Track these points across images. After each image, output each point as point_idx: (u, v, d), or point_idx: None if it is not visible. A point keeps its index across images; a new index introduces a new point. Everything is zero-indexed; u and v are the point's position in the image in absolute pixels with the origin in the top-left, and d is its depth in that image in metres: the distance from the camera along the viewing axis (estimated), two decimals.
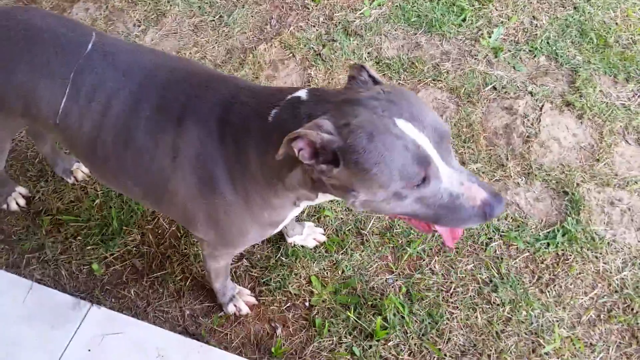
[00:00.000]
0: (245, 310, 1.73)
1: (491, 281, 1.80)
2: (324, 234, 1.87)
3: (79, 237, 1.86)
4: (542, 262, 1.83)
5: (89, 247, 1.84)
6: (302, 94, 1.12)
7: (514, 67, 2.27)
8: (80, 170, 1.96)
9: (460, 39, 2.35)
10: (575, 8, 2.45)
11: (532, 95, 2.19)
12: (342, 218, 1.91)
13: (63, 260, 1.83)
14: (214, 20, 2.36)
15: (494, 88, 2.20)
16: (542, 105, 2.16)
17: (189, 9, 2.36)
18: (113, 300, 1.77)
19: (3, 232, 1.89)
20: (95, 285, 1.80)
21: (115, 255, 1.84)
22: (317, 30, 2.35)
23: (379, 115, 0.99)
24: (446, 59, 2.29)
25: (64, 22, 1.34)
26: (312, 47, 2.30)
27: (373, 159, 0.98)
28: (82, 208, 1.91)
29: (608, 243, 1.87)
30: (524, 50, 2.31)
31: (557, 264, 1.83)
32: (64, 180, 1.97)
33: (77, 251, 1.84)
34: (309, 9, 2.41)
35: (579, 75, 2.23)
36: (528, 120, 2.12)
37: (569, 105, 2.16)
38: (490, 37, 2.34)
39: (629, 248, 1.87)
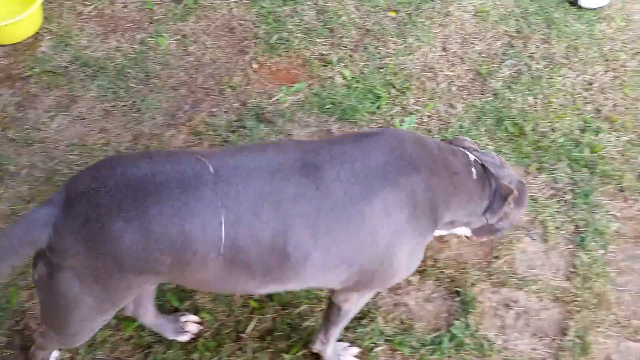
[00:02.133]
0: None
1: None
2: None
3: None
4: None
5: None
6: None
7: None
8: (191, 322, 1.80)
9: (373, 127, 2.32)
10: (495, 95, 2.42)
11: None
12: (222, 319, 1.84)
13: None
14: (126, 106, 2.38)
15: None
16: None
17: (103, 95, 2.39)
18: None
19: None
20: None
21: None
22: (229, 116, 2.35)
23: None
24: None
25: (160, 159, 1.32)
26: (221, 134, 2.29)
27: None
28: None
29: (498, 350, 1.76)
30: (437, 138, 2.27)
31: None
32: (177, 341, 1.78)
33: None
34: (224, 94, 2.42)
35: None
36: None
37: None
38: (402, 125, 2.31)
39: (521, 356, 1.76)
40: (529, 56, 2.59)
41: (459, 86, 2.47)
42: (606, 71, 2.55)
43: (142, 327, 1.75)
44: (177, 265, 1.26)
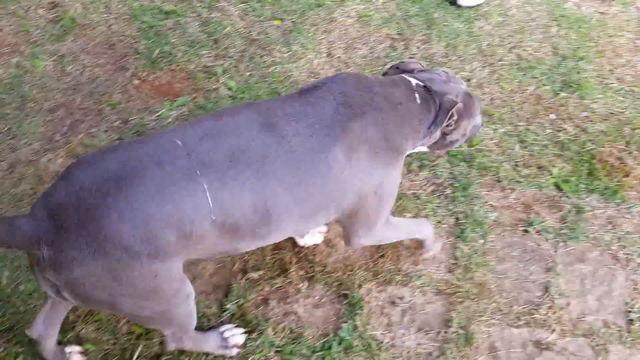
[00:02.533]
0: None
1: None
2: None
3: None
4: None
5: None
6: None
7: None
8: (76, 352, 1.71)
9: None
10: None
11: None
12: (107, 348, 1.77)
13: None
14: (1, 133, 2.26)
15: None
16: None
17: None
18: None
19: None
20: None
21: None
22: (109, 135, 2.28)
23: None
24: None
25: (127, 146, 1.43)
26: None
27: None
28: None
29: (386, 348, 1.79)
30: None
31: None
32: None
33: None
34: (104, 113, 2.35)
35: None
36: None
37: None
38: None
39: (408, 352, 1.79)
40: (410, 58, 2.66)
41: None
42: (484, 67, 2.65)
43: None
44: (183, 239, 1.30)
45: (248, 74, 2.53)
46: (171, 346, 1.63)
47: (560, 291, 1.90)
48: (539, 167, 2.25)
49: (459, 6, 2.93)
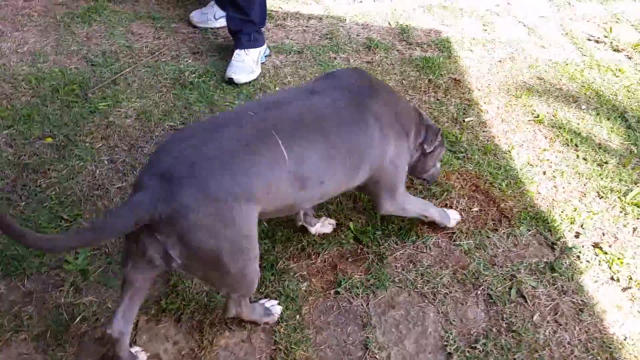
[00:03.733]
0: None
1: None
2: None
3: None
4: None
5: None
6: None
7: (105, 285, 2.07)
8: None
9: (44, 271, 2.11)
10: None
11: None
12: None
13: None
14: None
15: (84, 318, 1.97)
16: (136, 323, 1.96)
17: None
18: None
19: None
20: None
21: None
22: None
23: None
24: (29, 301, 2.02)
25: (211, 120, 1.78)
26: None
27: None
28: None
29: None
30: (115, 262, 2.14)
31: None
32: None
33: None
34: None
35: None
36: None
37: (165, 312, 2.00)
38: (78, 258, 2.14)
39: None
40: None
41: None
42: None
43: None
44: (266, 187, 1.54)
45: (24, 203, 2.32)
46: (232, 312, 1.82)
47: (379, 345, 1.92)
48: (338, 225, 2.30)
49: (237, 84, 2.99)
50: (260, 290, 2.05)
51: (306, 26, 3.63)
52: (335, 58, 3.34)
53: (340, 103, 1.74)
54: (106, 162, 2.53)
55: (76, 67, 3.05)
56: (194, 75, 3.07)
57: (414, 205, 2.16)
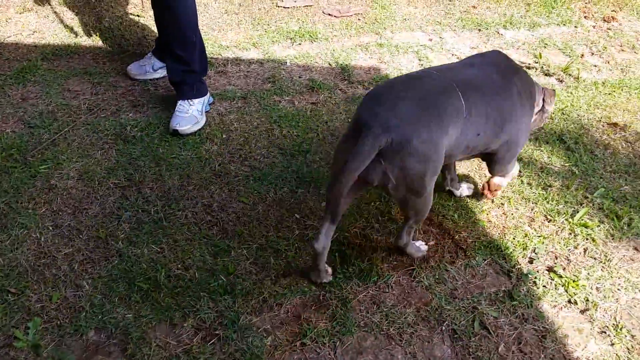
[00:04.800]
0: None
1: None
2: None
3: None
4: None
5: None
6: None
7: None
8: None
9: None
10: (120, 256, 2.31)
11: None
12: None
13: None
14: None
15: None
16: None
17: None
18: None
19: None
20: None
21: None
22: None
23: None
24: None
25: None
26: None
27: None
28: None
29: None
30: (68, 334, 2.03)
31: None
32: None
33: None
34: None
35: (131, 338, 2.01)
36: None
37: None
38: (28, 333, 2.01)
39: None
40: (145, 201, 2.57)
41: (82, 260, 2.29)
42: (222, 187, 2.67)
43: None
44: (453, 129, 1.94)
45: None
46: (404, 240, 2.24)
47: None
48: (297, 272, 2.27)
49: (182, 135, 2.95)
50: (223, 350, 1.99)
51: (247, 71, 3.63)
52: (280, 101, 3.35)
53: (494, 76, 2.14)
54: (51, 227, 2.42)
55: (13, 131, 2.93)
56: (136, 129, 3.00)
57: (514, 168, 2.53)
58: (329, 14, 4.25)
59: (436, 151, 1.88)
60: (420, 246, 2.37)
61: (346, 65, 3.72)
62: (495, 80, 2.13)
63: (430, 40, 4.08)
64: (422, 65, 3.80)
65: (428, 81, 1.98)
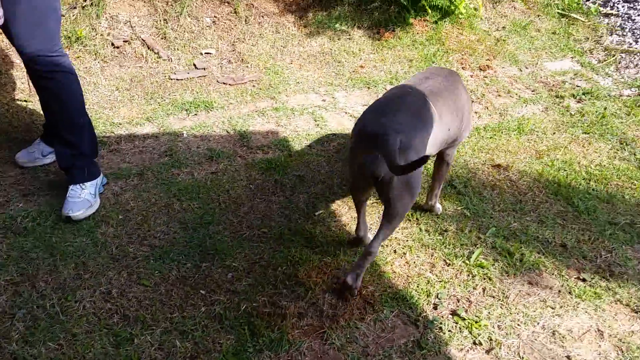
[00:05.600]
0: None
1: None
2: None
3: None
4: None
5: None
6: None
7: None
8: None
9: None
10: (15, 359, 2.14)
11: None
12: None
13: None
14: None
15: None
16: None
17: None
18: None
19: None
20: None
21: None
22: None
23: None
24: None
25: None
26: None
27: None
28: None
29: None
30: None
31: None
32: None
33: None
34: None
35: None
36: None
37: None
38: None
39: None
40: (40, 295, 2.42)
41: None
42: (120, 272, 2.57)
43: None
44: (436, 125, 2.49)
45: None
46: (376, 249, 2.43)
47: None
48: (206, 352, 2.21)
49: (75, 221, 2.84)
50: None
51: (143, 147, 3.59)
52: (178, 174, 3.32)
53: (444, 83, 2.66)
54: None
55: None
56: (27, 219, 2.86)
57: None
58: (224, 83, 4.32)
59: (425, 148, 2.38)
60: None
61: (244, 131, 3.77)
62: (446, 86, 2.66)
63: (324, 100, 4.24)
64: (318, 125, 3.92)
65: (410, 97, 2.47)
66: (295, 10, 5.07)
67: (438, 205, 3.04)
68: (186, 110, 3.97)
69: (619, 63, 4.82)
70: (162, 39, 4.62)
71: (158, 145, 3.61)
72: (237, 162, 3.46)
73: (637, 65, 4.77)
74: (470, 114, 2.84)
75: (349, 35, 4.98)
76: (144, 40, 4.57)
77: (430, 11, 5.17)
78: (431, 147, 2.46)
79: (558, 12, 5.57)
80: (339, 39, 4.92)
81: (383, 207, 2.43)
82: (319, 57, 4.74)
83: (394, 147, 2.19)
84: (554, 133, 3.91)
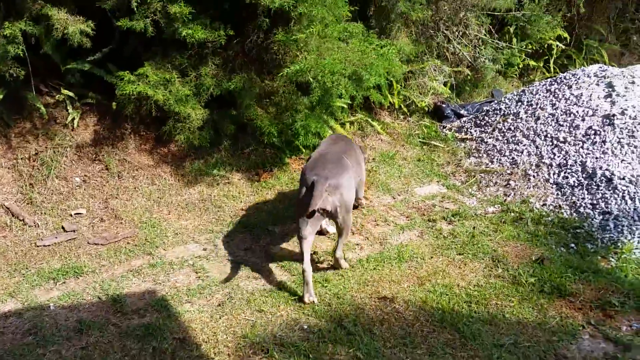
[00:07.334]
0: None
1: None
2: None
3: None
4: None
5: None
6: None
7: None
8: None
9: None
10: None
11: None
12: None
13: None
14: None
15: None
16: None
17: None
18: None
19: None
20: None
21: None
22: None
23: None
24: None
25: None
26: None
27: None
28: None
29: None
30: None
31: None
32: None
33: None
34: None
35: None
36: None
37: None
38: None
39: None
40: None
41: None
42: None
43: None
44: (352, 171, 3.97)
45: None
46: (340, 253, 3.84)
47: None
48: None
49: None
50: None
51: (3, 327, 3.23)
52: (44, 354, 2.99)
53: (346, 145, 4.16)
54: None
55: None
56: None
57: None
58: (95, 244, 4.10)
59: (352, 186, 3.76)
60: (342, 262, 3.84)
61: (118, 295, 3.53)
62: (347, 146, 4.16)
63: (205, 250, 4.13)
64: (199, 277, 3.78)
65: (332, 156, 3.84)
66: (171, 161, 5.07)
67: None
68: (53, 279, 3.68)
69: (480, 182, 5.23)
70: (28, 204, 4.38)
71: (21, 323, 3.27)
72: (110, 332, 3.19)
73: (496, 183, 5.20)
74: (362, 165, 4.35)
75: (228, 179, 5.02)
76: (8, 208, 4.30)
77: (304, 150, 5.39)
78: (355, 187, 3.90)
79: (420, 141, 6.05)
80: (218, 185, 4.94)
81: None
82: (198, 205, 4.69)
83: (321, 189, 3.44)
84: (432, 257, 4.04)
